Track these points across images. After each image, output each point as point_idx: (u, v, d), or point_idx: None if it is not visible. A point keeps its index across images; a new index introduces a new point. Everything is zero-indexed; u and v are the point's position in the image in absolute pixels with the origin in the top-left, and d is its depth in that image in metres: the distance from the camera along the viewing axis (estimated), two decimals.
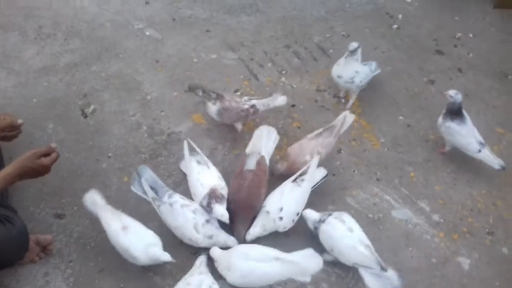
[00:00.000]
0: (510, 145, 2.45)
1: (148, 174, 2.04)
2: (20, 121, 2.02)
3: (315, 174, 2.12)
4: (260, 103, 2.34)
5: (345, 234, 1.92)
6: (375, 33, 3.01)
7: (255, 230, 2.02)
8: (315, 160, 2.11)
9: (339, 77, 2.46)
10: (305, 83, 2.70)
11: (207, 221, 1.97)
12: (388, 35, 3.00)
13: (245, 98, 2.35)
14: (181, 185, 2.20)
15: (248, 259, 1.86)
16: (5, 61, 2.67)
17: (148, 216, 2.08)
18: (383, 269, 1.87)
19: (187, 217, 1.95)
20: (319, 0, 3.21)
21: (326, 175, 2.20)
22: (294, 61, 2.81)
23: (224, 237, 1.99)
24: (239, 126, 2.36)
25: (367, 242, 1.93)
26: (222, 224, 2.02)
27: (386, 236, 2.11)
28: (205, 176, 2.08)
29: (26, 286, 1.91)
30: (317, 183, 2.15)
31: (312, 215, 2.01)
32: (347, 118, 2.26)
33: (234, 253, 1.90)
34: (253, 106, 2.31)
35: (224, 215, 1.96)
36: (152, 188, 2.01)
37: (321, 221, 1.96)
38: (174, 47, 2.82)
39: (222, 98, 2.27)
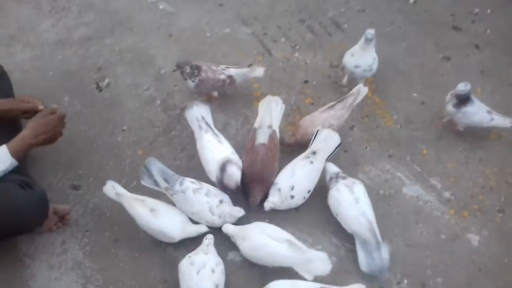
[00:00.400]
0: None
1: (157, 166, 2.02)
2: (41, 106, 2.03)
3: (328, 150, 2.13)
4: (238, 74, 2.36)
5: (350, 203, 1.98)
6: (391, 8, 2.95)
7: (275, 199, 2.04)
8: (326, 133, 2.12)
9: (356, 67, 2.39)
10: (318, 59, 2.68)
11: (221, 201, 2.01)
12: (404, 10, 2.95)
13: (222, 66, 2.35)
14: (194, 158, 2.23)
15: (263, 233, 1.90)
16: (20, 34, 2.69)
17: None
18: (378, 243, 1.92)
19: (201, 202, 1.98)
20: None
21: (340, 144, 2.15)
22: (308, 36, 2.79)
23: (232, 210, 2.02)
24: (215, 93, 2.39)
25: (370, 215, 1.97)
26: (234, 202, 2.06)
27: (396, 212, 2.13)
28: (218, 153, 2.09)
29: (44, 254, 1.99)
30: (331, 153, 2.14)
31: (332, 168, 2.08)
32: (361, 90, 2.26)
33: (252, 226, 1.94)
34: (230, 77, 2.33)
35: (236, 174, 2.01)
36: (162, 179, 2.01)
37: (337, 178, 2.03)
38: (187, 21, 2.81)
39: (199, 70, 2.28)
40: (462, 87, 2.20)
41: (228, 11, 2.88)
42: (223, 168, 2.03)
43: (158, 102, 2.45)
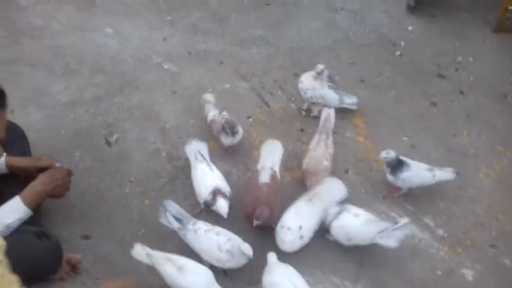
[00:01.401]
0: (510, 163, 2.56)
1: (172, 207, 2.19)
2: (57, 164, 2.20)
3: (329, 195, 2.27)
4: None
5: (354, 221, 2.13)
6: (379, 60, 3.17)
7: (287, 237, 2.13)
8: (332, 182, 2.29)
9: (300, 82, 2.71)
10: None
11: (229, 239, 2.10)
12: (391, 61, 3.16)
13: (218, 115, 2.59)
14: (198, 205, 2.35)
15: (288, 279, 1.97)
16: (35, 96, 2.89)
17: (168, 236, 2.25)
18: (395, 222, 2.08)
19: (210, 239, 2.10)
20: (325, 31, 3.40)
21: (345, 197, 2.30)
22: None
23: (241, 244, 2.08)
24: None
25: (373, 217, 2.14)
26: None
27: (393, 251, 2.21)
28: (208, 178, 2.30)
29: None
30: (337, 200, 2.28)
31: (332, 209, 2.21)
32: (330, 113, 2.52)
33: (282, 265, 2.03)
34: (220, 113, 2.59)
35: (224, 208, 2.18)
36: (177, 218, 2.16)
37: (333, 218, 2.17)
38: (190, 79, 3.02)
39: (234, 126, 2.52)
40: (384, 154, 2.27)
41: (228, 68, 3.10)
42: (213, 196, 2.22)
43: (164, 154, 2.61)
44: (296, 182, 2.49)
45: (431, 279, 2.11)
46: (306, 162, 2.42)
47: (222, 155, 2.61)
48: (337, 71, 3.09)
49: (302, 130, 2.75)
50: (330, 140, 2.48)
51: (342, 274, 2.14)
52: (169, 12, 3.48)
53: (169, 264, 2.02)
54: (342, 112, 2.82)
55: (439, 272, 2.14)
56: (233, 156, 2.59)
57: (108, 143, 2.67)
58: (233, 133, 2.49)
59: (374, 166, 2.56)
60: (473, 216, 2.33)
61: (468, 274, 2.13)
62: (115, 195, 2.45)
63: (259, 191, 2.23)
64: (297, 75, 3.06)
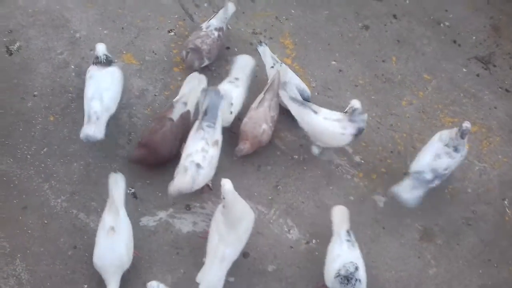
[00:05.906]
0: (434, 91, 2.54)
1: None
2: None
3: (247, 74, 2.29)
4: (220, 21, 2.41)
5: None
6: None
7: None
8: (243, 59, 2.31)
9: None
10: (241, 25, 2.67)
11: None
12: None
13: (203, 25, 2.40)
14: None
15: None
16: None
17: (73, 155, 2.10)
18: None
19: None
20: None
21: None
22: None
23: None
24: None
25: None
26: None
27: (309, 176, 2.20)
28: None
29: None
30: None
31: None
32: (281, 73, 2.27)
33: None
34: (220, 29, 2.39)
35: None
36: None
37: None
38: None
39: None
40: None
41: None
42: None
43: (72, 66, 2.37)
44: None
45: (343, 204, 2.11)
46: (244, 122, 2.16)
47: (139, 70, 2.41)
48: None
49: (228, 48, 2.57)
50: (275, 101, 2.21)
51: (257, 199, 2.11)
52: None
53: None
54: (271, 32, 2.66)
55: (352, 198, 2.16)
56: (150, 72, 2.40)
57: (9, 52, 2.39)
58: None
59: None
60: (391, 144, 2.33)
61: (380, 200, 2.16)
62: (15, 110, 2.23)
63: (161, 124, 2.07)
64: None
